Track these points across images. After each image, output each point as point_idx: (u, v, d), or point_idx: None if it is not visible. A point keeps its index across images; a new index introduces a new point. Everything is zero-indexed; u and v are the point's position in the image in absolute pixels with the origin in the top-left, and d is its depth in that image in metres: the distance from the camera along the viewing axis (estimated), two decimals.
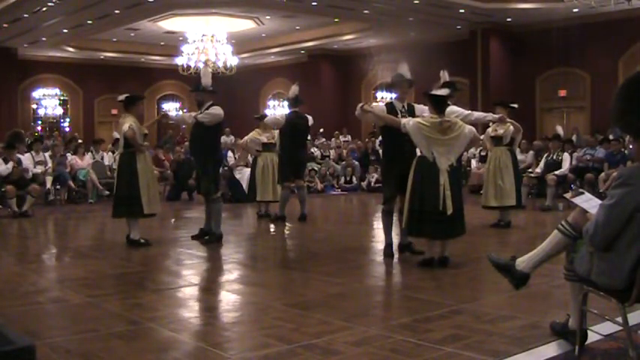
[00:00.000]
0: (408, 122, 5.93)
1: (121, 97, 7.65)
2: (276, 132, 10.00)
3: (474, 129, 6.18)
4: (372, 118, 6.60)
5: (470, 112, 7.19)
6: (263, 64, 26.08)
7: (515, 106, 8.85)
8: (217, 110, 7.56)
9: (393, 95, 7.11)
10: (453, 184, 5.89)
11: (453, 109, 6.63)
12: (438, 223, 5.81)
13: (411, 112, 6.38)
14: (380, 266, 6.35)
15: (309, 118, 9.97)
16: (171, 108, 26.28)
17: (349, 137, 21.36)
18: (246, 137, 10.98)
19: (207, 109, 7.59)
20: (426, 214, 5.83)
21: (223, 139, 13.22)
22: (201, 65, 19.04)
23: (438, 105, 5.96)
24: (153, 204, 7.49)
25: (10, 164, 10.72)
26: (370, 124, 23.56)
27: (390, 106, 6.45)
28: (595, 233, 3.09)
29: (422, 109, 6.42)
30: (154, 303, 4.82)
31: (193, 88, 8.10)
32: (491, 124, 8.83)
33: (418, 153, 6.02)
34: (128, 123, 7.32)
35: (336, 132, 20.93)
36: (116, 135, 7.41)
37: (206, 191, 7.70)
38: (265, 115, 10.83)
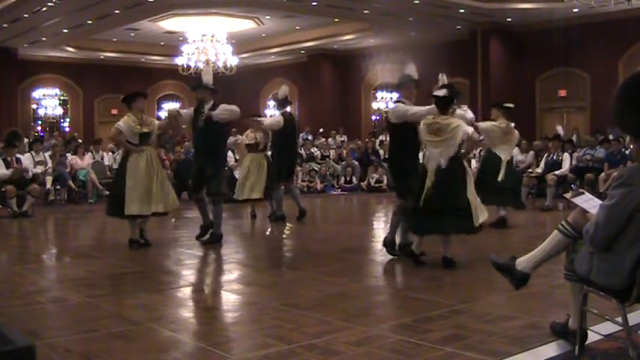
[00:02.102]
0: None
1: (122, 97, 7.64)
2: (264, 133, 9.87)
3: (469, 130, 6.13)
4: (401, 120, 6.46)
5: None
6: (263, 64, 26.09)
7: (511, 106, 8.90)
8: (234, 107, 7.55)
9: (395, 95, 7.12)
10: (458, 182, 5.93)
11: (467, 114, 6.66)
12: (440, 218, 5.84)
13: None
14: (380, 266, 6.35)
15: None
16: (171, 108, 26.25)
17: (345, 137, 21.39)
18: (240, 139, 10.86)
19: (211, 107, 7.53)
20: (427, 210, 5.86)
21: (230, 139, 13.16)
22: (201, 65, 19.06)
23: (442, 106, 6.00)
24: (145, 204, 7.19)
25: (9, 171, 10.70)
26: (371, 124, 23.62)
27: None
28: (595, 233, 3.09)
29: None
30: (154, 303, 4.81)
31: (195, 85, 8.04)
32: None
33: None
34: (117, 123, 7.30)
35: (333, 131, 20.93)
36: None
37: (216, 191, 7.56)
38: (258, 116, 10.69)
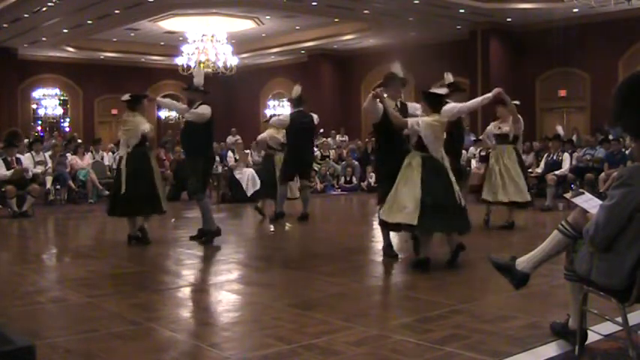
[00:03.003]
0: (418, 122, 5.86)
1: (125, 97, 7.63)
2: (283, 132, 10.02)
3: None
4: (376, 114, 6.34)
5: (462, 104, 7.08)
6: (263, 64, 26.07)
7: (517, 102, 8.88)
8: (204, 110, 7.50)
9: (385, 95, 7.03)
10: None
11: (449, 106, 6.64)
12: (450, 218, 5.82)
13: (404, 111, 6.34)
14: (380, 266, 6.35)
15: (315, 116, 9.94)
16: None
17: (346, 137, 21.38)
18: (264, 134, 10.84)
19: (196, 108, 7.59)
20: (440, 208, 5.76)
21: (229, 138, 13.19)
22: (201, 65, 19.05)
23: (435, 104, 5.96)
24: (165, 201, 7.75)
25: (10, 171, 10.71)
26: (370, 122, 23.50)
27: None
28: (595, 233, 3.09)
29: (414, 106, 6.40)
30: (154, 303, 4.82)
31: (187, 87, 8.08)
32: (493, 123, 8.88)
33: (412, 150, 6.00)
34: (148, 124, 7.53)
35: (333, 131, 20.93)
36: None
37: (193, 190, 7.65)
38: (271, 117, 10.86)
